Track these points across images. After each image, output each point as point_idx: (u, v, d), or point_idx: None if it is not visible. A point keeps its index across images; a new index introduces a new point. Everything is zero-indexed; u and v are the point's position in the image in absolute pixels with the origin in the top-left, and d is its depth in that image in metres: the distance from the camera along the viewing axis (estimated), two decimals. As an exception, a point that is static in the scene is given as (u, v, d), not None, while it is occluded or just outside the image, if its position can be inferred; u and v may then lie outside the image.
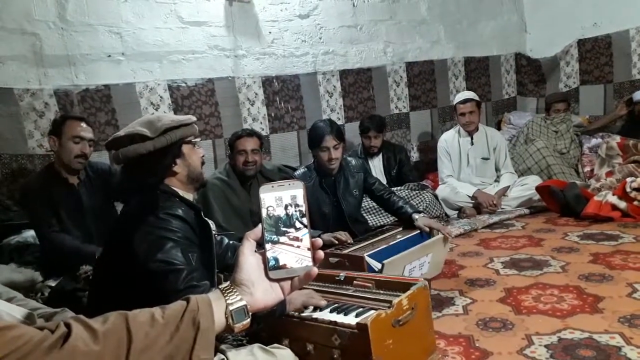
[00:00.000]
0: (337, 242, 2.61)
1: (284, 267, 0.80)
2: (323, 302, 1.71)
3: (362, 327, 1.51)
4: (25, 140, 3.19)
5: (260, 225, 0.81)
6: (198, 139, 1.80)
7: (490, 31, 5.28)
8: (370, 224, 3.26)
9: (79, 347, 0.67)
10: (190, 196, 1.74)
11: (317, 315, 1.66)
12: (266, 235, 0.80)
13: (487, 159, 4.11)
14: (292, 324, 1.65)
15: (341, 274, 1.94)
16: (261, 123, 4.07)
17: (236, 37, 3.93)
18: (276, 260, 0.80)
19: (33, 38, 3.21)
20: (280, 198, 0.80)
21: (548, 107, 4.71)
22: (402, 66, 4.78)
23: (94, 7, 3.38)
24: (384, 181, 3.89)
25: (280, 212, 0.80)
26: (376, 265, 2.24)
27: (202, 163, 1.78)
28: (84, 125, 2.65)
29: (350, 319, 1.59)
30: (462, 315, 2.16)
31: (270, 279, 0.81)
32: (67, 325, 0.69)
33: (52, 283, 2.39)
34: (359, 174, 2.97)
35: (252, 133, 3.03)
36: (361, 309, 1.67)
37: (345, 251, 2.43)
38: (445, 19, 4.99)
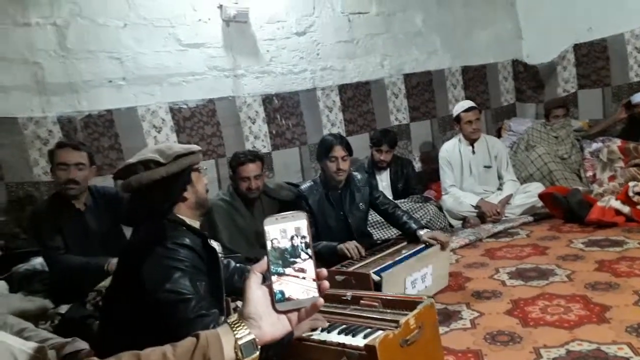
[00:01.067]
0: (351, 252, 2.61)
1: (290, 299, 0.82)
2: (325, 324, 1.72)
3: (370, 349, 1.52)
4: (31, 168, 3.24)
5: (265, 258, 0.82)
6: (204, 167, 1.85)
7: (486, 39, 5.32)
8: (375, 237, 3.27)
9: None
10: (196, 224, 1.77)
11: (325, 337, 1.67)
12: (272, 267, 0.81)
13: (489, 167, 4.12)
14: (302, 348, 1.66)
15: (348, 294, 1.95)
16: (262, 140, 4.11)
17: (235, 57, 3.98)
18: (282, 292, 0.81)
19: (35, 67, 3.26)
20: (284, 230, 0.82)
21: (547, 113, 4.73)
22: (400, 78, 4.81)
23: (93, 34, 3.43)
24: (390, 195, 3.92)
25: (285, 243, 0.82)
26: (376, 278, 2.26)
27: (207, 191, 1.82)
28: (69, 150, 2.61)
29: (359, 341, 1.60)
30: (470, 330, 2.16)
31: (277, 311, 0.82)
32: None
33: (63, 310, 2.41)
34: (365, 187, 3.00)
35: (254, 158, 2.99)
36: (369, 330, 1.67)
37: (351, 268, 2.45)
38: (441, 30, 5.03)
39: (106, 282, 2.26)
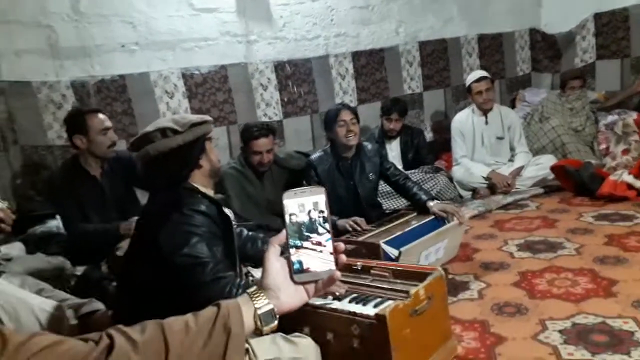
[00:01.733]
0: (351, 229, 2.66)
1: (307, 270, 0.84)
2: (343, 290, 1.76)
3: (380, 318, 1.56)
4: (45, 131, 3.26)
5: (284, 231, 0.84)
6: (216, 137, 1.88)
7: (504, 7, 5.17)
8: (385, 207, 3.29)
9: (123, 359, 0.72)
10: (211, 192, 1.80)
11: (336, 305, 1.72)
12: (290, 240, 0.84)
13: (501, 138, 4.09)
14: (313, 314, 1.71)
15: (358, 263, 1.99)
16: (274, 108, 4.09)
17: (247, 23, 3.92)
18: (300, 264, 0.84)
19: (48, 31, 3.25)
20: (302, 204, 0.84)
21: (563, 84, 4.64)
22: (414, 46, 4.73)
23: (106, -2, 3.40)
24: (400, 164, 3.91)
25: (303, 217, 0.84)
26: (393, 252, 2.29)
27: (219, 160, 1.86)
28: (102, 116, 2.69)
29: (369, 310, 1.64)
30: (477, 300, 2.20)
31: (295, 282, 0.85)
32: (110, 337, 0.75)
33: (79, 271, 2.48)
34: (375, 157, 3.00)
35: (267, 132, 2.96)
36: (379, 299, 1.72)
37: (361, 238, 2.48)
38: (458, -4, 4.91)
39: (123, 244, 2.32)
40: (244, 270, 2.30)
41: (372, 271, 1.94)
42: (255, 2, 3.93)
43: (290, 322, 1.75)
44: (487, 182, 3.88)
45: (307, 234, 0.84)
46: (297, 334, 1.67)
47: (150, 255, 1.63)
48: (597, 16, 4.94)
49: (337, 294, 1.74)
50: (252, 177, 3.02)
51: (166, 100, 3.65)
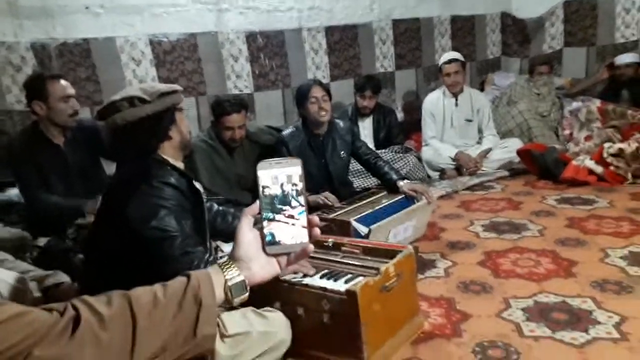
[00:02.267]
0: (322, 202, 2.66)
1: (280, 243, 0.83)
2: (312, 271, 1.76)
3: (351, 294, 1.58)
4: (3, 95, 3.09)
5: (257, 202, 0.83)
6: (186, 108, 1.83)
7: (478, -12, 5.20)
8: (355, 186, 3.30)
9: (89, 335, 0.70)
10: (181, 165, 1.75)
11: (307, 280, 1.72)
12: (263, 213, 0.83)
13: (470, 120, 4.15)
14: (284, 289, 1.71)
15: (329, 240, 1.99)
16: (245, 80, 4.01)
17: (219, -10, 3.80)
18: (272, 236, 0.83)
19: (7, -13, 3.05)
20: (276, 176, 0.82)
21: (531, 70, 4.73)
22: (388, 23, 4.70)
23: (70, -45, 3.21)
24: (372, 143, 3.92)
25: (276, 190, 0.82)
26: (363, 230, 2.30)
27: (190, 132, 1.80)
28: (65, 82, 2.57)
29: (340, 286, 1.65)
30: (444, 278, 2.25)
31: (267, 254, 0.84)
32: (75, 308, 0.72)
33: (41, 243, 2.39)
34: (347, 135, 2.99)
35: (239, 108, 2.86)
36: (350, 276, 1.73)
37: (332, 215, 2.49)
38: (434, -25, 4.88)
39: (87, 218, 2.25)
40: (214, 244, 2.27)
41: (343, 248, 1.95)
42: (227, -31, 3.80)
43: (262, 297, 1.75)
44: (454, 163, 3.94)
45: (280, 206, 0.82)
46: (268, 308, 1.67)
47: (118, 226, 1.59)
48: (567, 4, 5.03)
49: (307, 274, 1.74)
50: (222, 151, 2.96)
51: (133, 68, 3.51)
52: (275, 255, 0.84)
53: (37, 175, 2.50)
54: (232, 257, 0.84)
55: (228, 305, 0.85)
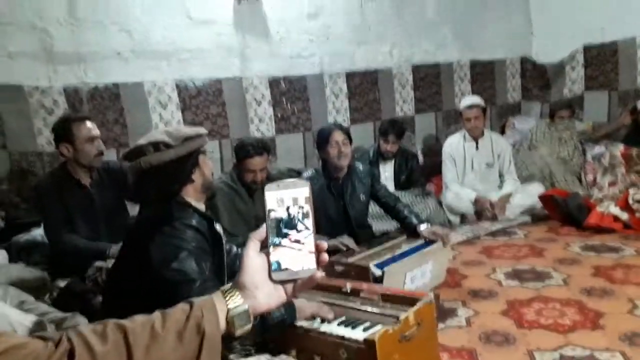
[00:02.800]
0: (343, 247, 2.65)
1: (286, 269, 0.79)
2: (331, 315, 1.74)
3: (369, 343, 1.54)
4: (34, 137, 3.22)
5: (264, 226, 0.80)
6: (210, 150, 1.87)
7: (497, 34, 5.27)
8: (375, 229, 3.28)
9: None
10: (202, 207, 1.78)
11: (325, 328, 1.70)
12: (270, 237, 0.79)
13: (491, 165, 4.13)
14: (300, 336, 1.69)
15: (347, 286, 1.97)
16: (267, 124, 4.09)
17: (244, 36, 3.94)
18: (279, 262, 0.79)
19: (43, 34, 3.23)
20: (282, 199, 0.79)
21: (552, 114, 4.71)
22: (408, 69, 4.79)
23: (104, 4, 3.39)
24: (392, 186, 3.92)
25: (282, 213, 0.79)
26: (377, 272, 2.28)
27: (212, 174, 1.84)
28: (91, 124, 2.62)
29: (358, 334, 1.62)
30: (465, 328, 2.19)
31: (273, 281, 0.79)
32: (70, 341, 0.70)
33: (61, 283, 2.42)
34: (367, 178, 3.00)
35: (261, 151, 2.88)
36: (368, 324, 1.70)
37: (351, 260, 2.47)
38: (452, 21, 4.98)
39: (107, 262, 2.28)
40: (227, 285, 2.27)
41: (361, 294, 1.92)
42: (252, 17, 3.95)
43: (278, 344, 1.73)
44: (475, 207, 3.90)
45: (285, 230, 0.78)
46: (283, 356, 1.65)
47: (139, 267, 1.61)
48: (587, 48, 5.05)
49: (326, 318, 1.72)
50: (243, 193, 2.99)
51: (159, 111, 3.62)
52: (282, 283, 0.80)
53: (64, 216, 2.54)
54: (237, 284, 0.79)
55: (230, 336, 0.78)
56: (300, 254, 0.79)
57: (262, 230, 0.80)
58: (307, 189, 0.79)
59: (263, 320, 1.57)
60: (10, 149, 3.14)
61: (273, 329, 1.60)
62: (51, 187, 2.58)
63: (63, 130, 2.55)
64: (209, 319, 0.74)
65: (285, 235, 0.79)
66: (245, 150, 2.87)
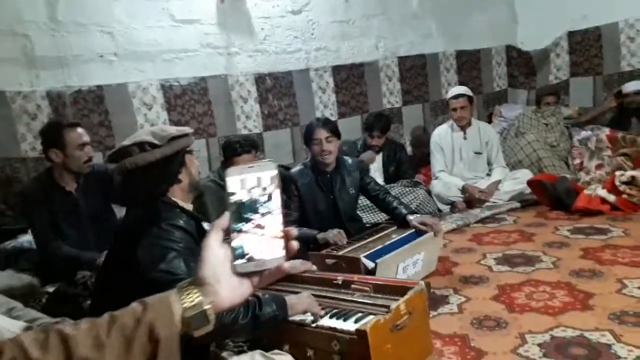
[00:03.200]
0: (332, 241, 2.65)
1: (251, 259, 0.71)
2: (322, 313, 1.74)
3: (361, 334, 1.55)
4: (18, 143, 3.19)
5: (227, 213, 0.72)
6: (197, 149, 1.86)
7: (482, 24, 5.29)
8: (365, 221, 3.29)
9: None
10: (190, 206, 1.77)
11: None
12: (232, 224, 0.71)
13: (479, 153, 4.15)
14: (293, 330, 1.69)
15: (339, 278, 1.97)
16: (254, 121, 4.08)
17: (229, 35, 3.92)
18: (242, 251, 0.71)
19: (24, 39, 3.19)
20: (244, 181, 0.71)
21: (538, 100, 4.75)
22: (394, 61, 4.79)
23: (84, 7, 3.36)
24: (381, 178, 3.93)
25: (242, 196, 0.71)
26: (369, 264, 2.29)
27: (199, 173, 1.83)
28: (81, 130, 2.62)
29: (350, 325, 1.63)
30: (457, 314, 2.21)
31: (236, 273, 0.71)
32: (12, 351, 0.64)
33: (50, 289, 2.41)
34: (355, 172, 3.00)
35: (249, 148, 2.89)
36: (360, 314, 1.70)
37: (341, 252, 2.47)
38: (437, 13, 4.99)
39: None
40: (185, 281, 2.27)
41: (352, 286, 1.93)
42: (236, 15, 3.94)
43: (270, 340, 1.73)
44: (464, 195, 3.93)
45: (247, 215, 0.71)
46: (276, 351, 1.65)
47: (127, 269, 1.59)
48: (571, 34, 5.09)
49: (317, 316, 1.72)
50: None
51: (144, 112, 3.60)
52: (246, 274, 0.72)
53: (50, 222, 2.52)
54: (196, 279, 0.70)
55: (188, 337, 0.70)
56: (264, 241, 0.71)
57: (225, 218, 0.72)
58: (273, 170, 0.72)
59: (255, 318, 1.56)
60: (-6, 155, 3.11)
61: (265, 326, 1.59)
62: (37, 194, 2.56)
63: (53, 136, 2.53)
64: (163, 322, 0.66)
65: (248, 221, 0.71)
66: (233, 148, 2.87)
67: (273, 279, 0.74)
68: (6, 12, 3.12)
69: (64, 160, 2.54)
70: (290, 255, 0.72)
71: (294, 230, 0.74)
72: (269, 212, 0.71)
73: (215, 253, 0.71)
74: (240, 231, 0.71)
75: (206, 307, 0.68)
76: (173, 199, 1.72)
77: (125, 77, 3.53)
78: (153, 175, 1.65)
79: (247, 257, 0.71)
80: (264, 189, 0.72)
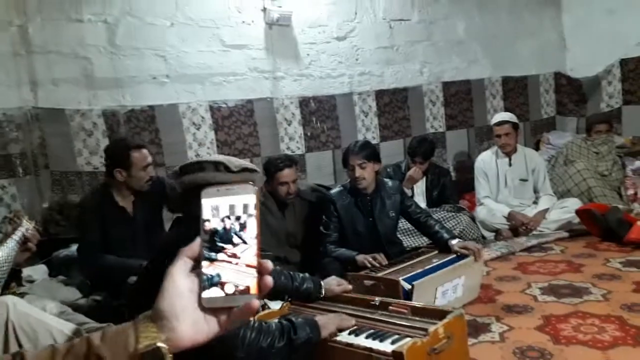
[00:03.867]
0: (370, 265, 2.62)
1: (220, 293, 0.63)
2: (352, 322, 1.73)
3: (398, 355, 1.53)
4: (75, 158, 3.37)
5: (198, 240, 0.65)
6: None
7: (529, 50, 5.22)
8: (405, 245, 3.26)
9: None
10: None
11: (352, 340, 1.69)
12: (204, 252, 0.64)
13: (525, 180, 4.05)
14: (329, 350, 1.68)
15: (376, 299, 1.96)
16: (297, 142, 4.15)
17: (275, 60, 4.04)
18: (211, 283, 0.63)
19: (85, 62, 3.39)
20: (217, 207, 0.65)
21: (589, 128, 4.59)
22: (438, 86, 4.78)
23: (141, 32, 3.54)
24: (424, 202, 3.88)
25: (216, 224, 0.65)
26: (406, 286, 2.25)
27: None
28: (146, 151, 2.66)
29: (386, 346, 1.61)
30: (499, 343, 2.13)
31: (203, 309, 0.63)
32: None
33: (98, 297, 2.50)
34: (396, 195, 2.99)
35: (290, 163, 3.00)
36: (397, 336, 1.68)
37: (380, 274, 2.45)
38: (483, 38, 4.97)
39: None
40: (260, 303, 2.29)
41: (390, 307, 1.91)
42: (283, 41, 4.05)
43: (304, 358, 1.73)
44: (509, 223, 3.83)
45: (221, 244, 0.64)
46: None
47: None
48: (624, 62, 4.94)
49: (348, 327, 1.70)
50: (273, 208, 3.04)
51: (193, 131, 3.73)
52: (212, 311, 0.64)
53: (101, 237, 2.56)
54: (154, 313, 0.62)
55: None
56: (237, 274, 0.64)
57: (194, 245, 0.65)
58: (251, 195, 0.65)
59: (290, 342, 1.56)
60: (52, 169, 3.29)
61: (300, 349, 1.59)
62: (93, 208, 2.61)
63: (121, 157, 2.58)
64: (115, 358, 0.61)
65: (220, 251, 0.64)
66: (275, 165, 2.96)
67: (243, 318, 0.66)
68: (70, 37, 3.34)
69: (127, 179, 2.59)
70: (265, 292, 0.64)
71: (269, 264, 0.66)
72: (244, 242, 0.64)
73: (176, 284, 0.63)
74: (211, 261, 0.64)
75: (160, 344, 0.60)
76: None
77: (176, 98, 3.68)
78: None
79: (216, 290, 0.63)
80: (239, 217, 0.65)
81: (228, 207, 0.65)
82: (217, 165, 1.66)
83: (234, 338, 1.50)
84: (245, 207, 0.65)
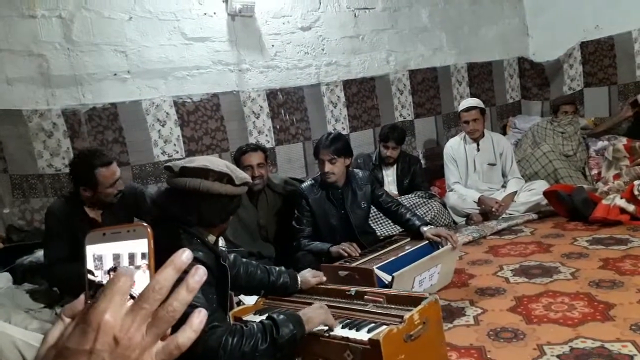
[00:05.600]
0: (345, 254, 2.62)
1: None
2: (336, 324, 1.71)
3: (374, 343, 1.52)
4: (35, 160, 3.24)
5: (82, 296, 0.57)
6: None
7: (492, 36, 5.29)
8: (378, 233, 3.26)
9: None
10: (213, 238, 1.75)
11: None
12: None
13: (493, 164, 4.11)
14: (305, 341, 1.66)
15: (352, 289, 1.95)
16: (266, 135, 4.10)
17: (239, 52, 3.97)
18: None
19: (40, 59, 3.27)
20: (101, 257, 0.56)
21: (555, 110, 4.69)
22: (405, 74, 4.80)
23: (98, 27, 3.43)
24: (395, 190, 3.90)
25: (101, 276, 0.56)
26: (386, 277, 2.25)
27: None
28: (114, 167, 2.50)
29: (363, 335, 1.60)
30: (473, 326, 2.16)
31: None
32: None
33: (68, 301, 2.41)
34: (367, 185, 2.98)
35: (256, 147, 3.02)
36: (373, 325, 1.67)
37: (355, 264, 2.44)
38: (447, 26, 5.01)
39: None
40: (235, 300, 2.25)
41: (365, 297, 1.90)
42: (246, 32, 3.99)
43: (289, 354, 1.71)
44: (479, 207, 3.88)
45: None
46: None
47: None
48: (584, 45, 5.04)
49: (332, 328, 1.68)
50: (245, 200, 2.99)
51: (158, 128, 3.65)
52: None
53: (70, 247, 2.46)
54: None
55: None
56: None
57: (78, 302, 0.57)
58: (142, 240, 0.55)
59: (274, 341, 1.53)
60: (12, 172, 3.16)
61: (285, 347, 1.56)
62: (62, 218, 2.49)
63: (85, 176, 2.43)
64: None
65: None
66: (240, 150, 3.00)
67: None
68: (23, 33, 3.20)
69: (93, 196, 2.47)
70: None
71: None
72: (132, 298, 0.54)
73: (54, 336, 0.54)
74: None
75: None
76: (200, 229, 1.70)
77: (139, 95, 3.59)
78: (215, 206, 1.68)
79: None
80: (132, 266, 0.55)
81: (112, 257, 0.56)
82: (220, 177, 1.65)
83: (215, 347, 1.46)
84: (132, 257, 0.55)
